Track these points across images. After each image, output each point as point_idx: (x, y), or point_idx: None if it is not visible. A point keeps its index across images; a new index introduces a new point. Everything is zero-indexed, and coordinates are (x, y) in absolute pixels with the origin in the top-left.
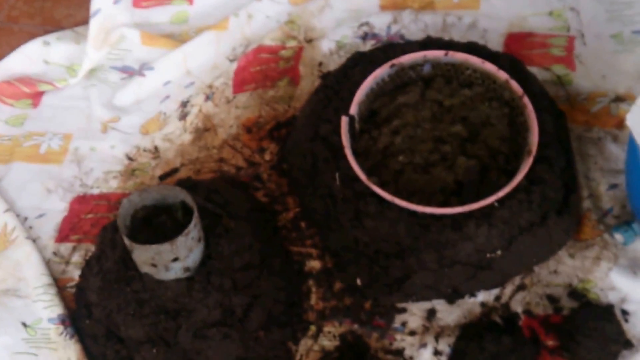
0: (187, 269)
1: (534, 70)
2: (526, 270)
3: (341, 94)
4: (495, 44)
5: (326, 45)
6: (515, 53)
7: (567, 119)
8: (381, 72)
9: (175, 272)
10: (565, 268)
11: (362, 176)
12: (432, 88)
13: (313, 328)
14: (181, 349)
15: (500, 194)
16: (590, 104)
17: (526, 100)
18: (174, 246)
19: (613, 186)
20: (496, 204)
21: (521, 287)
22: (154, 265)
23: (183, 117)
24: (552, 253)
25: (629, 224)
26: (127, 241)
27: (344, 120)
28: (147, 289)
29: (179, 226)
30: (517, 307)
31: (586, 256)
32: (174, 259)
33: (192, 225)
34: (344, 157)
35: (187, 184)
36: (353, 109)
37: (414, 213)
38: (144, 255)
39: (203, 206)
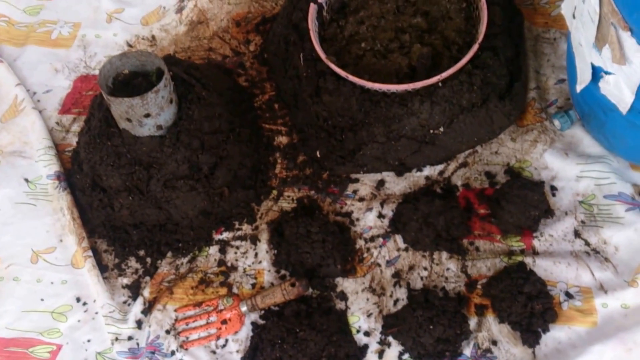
0: (159, 127)
1: None
2: (469, 149)
3: None
4: None
5: None
6: None
7: (528, 20)
8: None
9: (148, 128)
10: (505, 149)
11: (322, 55)
12: None
13: (275, 192)
14: (153, 197)
15: (444, 74)
16: (551, 8)
17: None
18: (144, 101)
19: (561, 81)
20: (440, 84)
21: (463, 165)
22: (129, 120)
23: (180, 10)
24: (494, 135)
25: (567, 112)
26: (105, 95)
27: (312, 7)
28: (124, 144)
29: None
30: (458, 181)
31: (525, 139)
32: (145, 114)
33: (161, 84)
34: (309, 40)
35: (170, 60)
36: None
37: (366, 90)
38: (119, 109)
39: (179, 75)
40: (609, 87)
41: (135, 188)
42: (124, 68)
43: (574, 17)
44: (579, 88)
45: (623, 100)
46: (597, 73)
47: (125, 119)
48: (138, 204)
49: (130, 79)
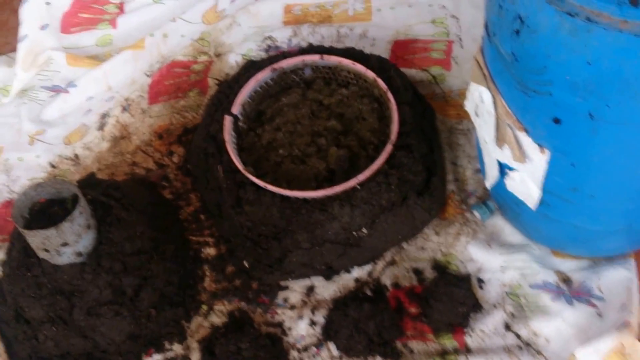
0: (79, 254)
1: (412, 71)
2: (395, 246)
3: (230, 98)
4: (383, 50)
5: (233, 59)
6: (399, 58)
7: (440, 113)
8: (263, 75)
9: (67, 256)
10: (430, 244)
11: (240, 166)
12: (313, 89)
13: (205, 307)
14: (77, 326)
15: (361, 177)
16: (461, 99)
17: (389, 95)
18: (60, 231)
19: (478, 171)
20: (358, 187)
21: (391, 263)
22: (47, 250)
23: (102, 127)
24: (417, 230)
25: (486, 202)
26: (19, 229)
27: (227, 119)
28: (44, 273)
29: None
30: (387, 280)
31: (449, 232)
32: (63, 243)
33: (76, 212)
34: (227, 151)
35: (88, 181)
36: (235, 109)
37: (286, 198)
38: (35, 241)
39: (96, 199)
40: (514, 184)
41: (59, 318)
42: (39, 197)
43: (476, 114)
44: (488, 184)
45: (530, 196)
46: (503, 169)
47: (42, 249)
48: (62, 335)
49: (47, 206)
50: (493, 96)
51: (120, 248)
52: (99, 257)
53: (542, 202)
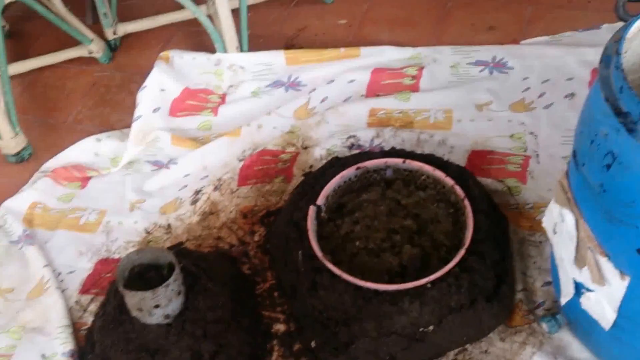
0: (167, 316)
1: (488, 181)
2: (459, 347)
3: (315, 189)
4: (460, 157)
5: (318, 152)
6: (476, 167)
7: (513, 223)
8: (348, 172)
9: (157, 317)
10: (495, 350)
11: (319, 254)
12: (392, 188)
13: None
14: None
15: (432, 277)
16: (535, 212)
17: (466, 202)
18: (155, 294)
19: (548, 283)
20: (429, 285)
21: None
22: (140, 310)
23: (194, 202)
24: (483, 334)
25: (555, 315)
26: (120, 288)
27: (311, 209)
28: (134, 330)
29: (164, 281)
30: None
31: (515, 340)
32: (155, 305)
33: (172, 279)
34: (308, 238)
35: (181, 251)
36: (320, 200)
37: (359, 287)
38: (132, 300)
39: (187, 268)
40: (590, 304)
41: None
42: (140, 261)
43: (554, 232)
44: (563, 301)
45: (605, 318)
46: (579, 288)
47: (137, 308)
48: None
49: (144, 270)
50: (576, 219)
51: (203, 315)
52: (184, 321)
53: (617, 325)
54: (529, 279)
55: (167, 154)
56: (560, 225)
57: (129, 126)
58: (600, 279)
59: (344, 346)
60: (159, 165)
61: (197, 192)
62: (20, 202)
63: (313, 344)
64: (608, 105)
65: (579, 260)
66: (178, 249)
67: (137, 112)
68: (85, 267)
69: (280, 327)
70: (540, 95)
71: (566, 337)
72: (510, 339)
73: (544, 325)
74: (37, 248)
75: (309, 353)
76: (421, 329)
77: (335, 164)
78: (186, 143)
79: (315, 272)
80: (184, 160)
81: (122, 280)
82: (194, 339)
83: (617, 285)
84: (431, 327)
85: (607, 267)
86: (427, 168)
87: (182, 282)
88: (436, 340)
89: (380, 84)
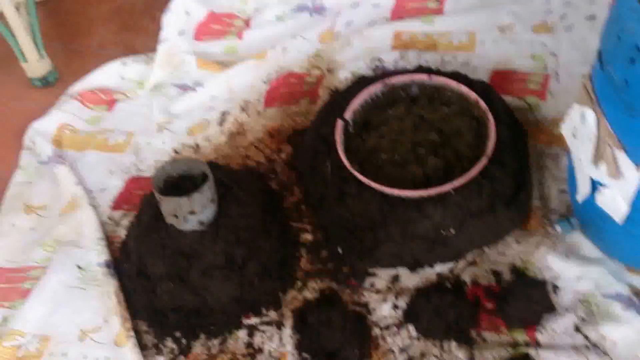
0: (201, 223)
1: (509, 98)
2: (477, 249)
3: (342, 105)
4: (483, 77)
5: (343, 74)
6: (498, 86)
7: (532, 138)
8: (374, 88)
9: (192, 224)
10: (511, 251)
11: (347, 164)
12: (417, 104)
13: (299, 283)
14: (192, 285)
15: (456, 183)
16: (553, 127)
17: (489, 115)
18: (191, 200)
19: (562, 191)
20: (452, 192)
21: (472, 263)
22: (176, 216)
23: (221, 123)
24: (500, 237)
25: (568, 219)
26: (157, 195)
27: (339, 123)
28: (170, 237)
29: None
30: (467, 278)
31: (530, 242)
32: (191, 211)
33: (206, 186)
34: (336, 150)
35: (212, 165)
36: (347, 115)
37: (385, 195)
38: (168, 207)
39: (219, 178)
40: (605, 199)
41: (177, 276)
42: (174, 172)
43: (574, 136)
44: (580, 199)
45: (619, 211)
46: (595, 185)
47: (173, 215)
48: (178, 290)
49: (178, 181)
50: (597, 118)
51: (235, 222)
52: (217, 227)
53: (628, 218)
54: (545, 188)
55: (193, 77)
56: (581, 128)
57: (153, 51)
58: (617, 172)
59: (369, 251)
60: (185, 88)
61: (224, 113)
62: (49, 123)
63: (340, 250)
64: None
65: (597, 157)
66: (209, 164)
67: (162, 35)
68: (116, 184)
69: (307, 237)
70: (562, 17)
71: (578, 239)
72: (525, 241)
73: (558, 228)
74: (68, 167)
75: (335, 259)
76: (443, 232)
77: (362, 82)
78: (212, 66)
79: (343, 182)
80: (210, 83)
81: (158, 188)
82: (228, 244)
83: (631, 177)
84: (452, 231)
85: (624, 160)
86: (452, 83)
87: (215, 190)
88: (457, 243)
89: (405, 8)
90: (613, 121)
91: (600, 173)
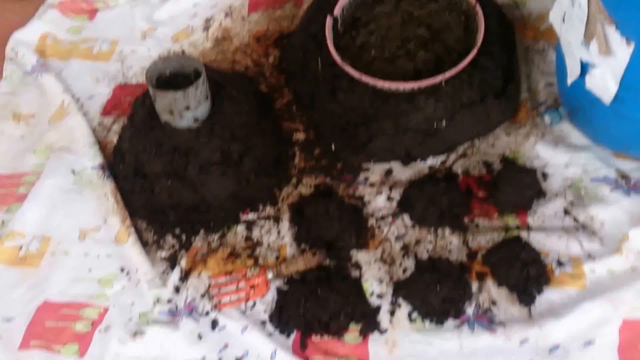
0: (196, 119)
1: None
2: (468, 141)
3: (330, 4)
4: None
5: None
6: None
7: (519, 33)
8: None
9: (187, 120)
10: (501, 142)
11: (338, 59)
12: (405, 1)
13: (294, 180)
14: (189, 181)
15: (447, 74)
16: (539, 23)
17: (478, 7)
18: (186, 94)
19: (549, 84)
20: (443, 83)
21: (463, 155)
22: (171, 113)
23: (206, 29)
24: (491, 129)
25: (557, 109)
26: (151, 90)
27: (328, 19)
28: (165, 134)
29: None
30: (458, 169)
31: (519, 133)
32: (186, 107)
33: (200, 81)
34: (326, 47)
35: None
36: (336, 11)
37: (377, 90)
38: (163, 102)
39: (212, 77)
40: (594, 81)
41: (174, 173)
42: (166, 69)
43: (563, 21)
44: (570, 81)
45: (608, 91)
46: (584, 68)
47: (168, 111)
48: (176, 187)
49: (170, 80)
50: None
51: (230, 119)
52: (212, 124)
53: (617, 98)
54: (533, 81)
55: None
56: (570, 11)
57: None
58: (607, 49)
59: (362, 145)
60: None
61: (208, 19)
62: (30, 33)
63: (333, 146)
64: None
65: (588, 36)
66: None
67: None
68: (103, 92)
69: (300, 136)
70: None
71: (566, 128)
72: (514, 133)
73: (546, 118)
74: (53, 75)
75: (329, 155)
76: (435, 125)
77: None
78: None
79: (334, 78)
80: None
81: (152, 84)
82: (223, 140)
83: (621, 54)
84: (444, 122)
85: (614, 36)
86: None
87: (208, 87)
88: (448, 134)
89: None
90: None
91: (590, 53)
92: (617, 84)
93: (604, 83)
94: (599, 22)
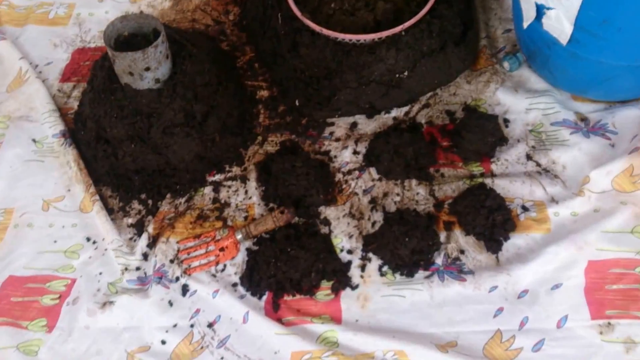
0: (157, 80)
1: None
2: (431, 91)
3: None
4: None
5: None
6: None
7: None
8: None
9: (148, 81)
10: (462, 91)
11: (298, 13)
12: None
13: (259, 138)
14: (153, 144)
15: (407, 24)
16: None
17: None
18: (146, 55)
19: (508, 31)
20: (403, 33)
21: (426, 106)
22: (131, 74)
23: None
24: (452, 78)
25: (515, 54)
26: (110, 52)
27: None
28: (127, 97)
29: None
30: (422, 119)
31: (479, 81)
32: (146, 67)
33: (159, 40)
34: (286, 2)
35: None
36: None
37: (338, 42)
38: (123, 63)
39: (172, 36)
40: (550, 22)
41: (137, 136)
42: (124, 30)
43: None
44: (525, 24)
45: (563, 32)
46: (540, 10)
47: (127, 73)
48: (140, 151)
49: (129, 40)
50: None
51: (192, 79)
52: (174, 85)
53: (573, 40)
54: (491, 28)
55: None
56: None
57: None
58: None
59: (326, 100)
60: None
61: None
62: None
63: (297, 102)
64: None
65: None
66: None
67: None
68: (62, 57)
69: (264, 93)
70: None
71: (525, 73)
72: (475, 80)
73: (506, 64)
74: (9, 42)
75: (293, 111)
76: (397, 75)
77: None
78: None
79: (295, 33)
80: None
81: (110, 46)
82: (186, 101)
83: None
84: (406, 73)
85: None
86: None
87: (168, 46)
88: (410, 85)
89: None
90: None
91: None
92: (572, 24)
93: (560, 24)
94: None
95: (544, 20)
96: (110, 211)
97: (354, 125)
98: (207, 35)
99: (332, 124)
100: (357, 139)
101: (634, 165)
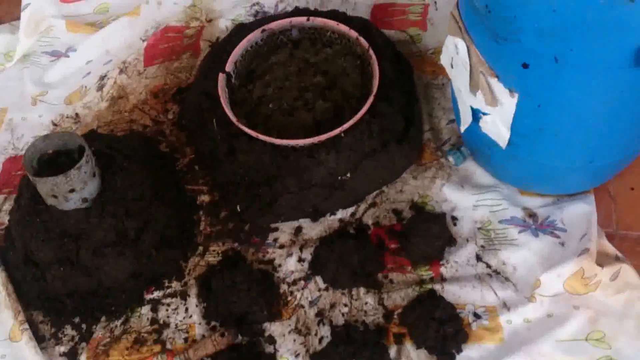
0: (84, 200)
1: (391, 32)
2: (376, 190)
3: (223, 57)
4: (363, 13)
5: (223, 24)
6: (379, 20)
7: (418, 70)
8: (254, 36)
9: (74, 202)
10: (409, 187)
11: (234, 119)
12: (300, 48)
13: (201, 248)
14: (83, 266)
15: (345, 126)
16: (436, 57)
17: (371, 52)
18: (68, 178)
19: (452, 121)
20: (342, 135)
21: (372, 205)
22: (55, 197)
23: (100, 88)
24: (397, 175)
25: (459, 148)
26: (30, 177)
27: (221, 76)
28: (53, 218)
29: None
30: (369, 220)
31: (425, 177)
32: (70, 189)
33: (83, 161)
34: (221, 106)
35: (92, 136)
36: (228, 67)
37: (277, 146)
38: (45, 188)
39: (100, 150)
40: (487, 126)
41: (66, 259)
42: (47, 149)
43: (452, 66)
44: (462, 129)
45: (501, 137)
46: (476, 114)
47: (51, 195)
48: (69, 274)
49: (54, 157)
50: (467, 46)
51: (122, 194)
52: (103, 202)
53: (511, 143)
54: (435, 119)
55: (64, 42)
56: (456, 58)
57: (17, 19)
58: (493, 100)
59: (268, 205)
60: (57, 55)
61: (103, 77)
62: None
63: (238, 207)
64: None
65: (473, 86)
66: (87, 135)
67: (24, 1)
68: None
69: (205, 198)
70: None
71: (471, 167)
72: (421, 176)
73: (451, 159)
74: None
75: (235, 217)
76: (339, 177)
77: (241, 30)
78: (83, 28)
79: (232, 138)
80: (84, 46)
81: (32, 169)
82: (116, 219)
83: (508, 103)
84: (348, 174)
85: (498, 87)
86: (331, 23)
87: (95, 163)
88: (354, 186)
89: None
90: (482, 49)
91: (479, 101)
92: (509, 130)
93: (497, 129)
94: (481, 73)
95: (481, 124)
96: (41, 338)
97: (298, 229)
98: (144, 137)
99: (276, 229)
100: (302, 245)
101: (585, 268)
